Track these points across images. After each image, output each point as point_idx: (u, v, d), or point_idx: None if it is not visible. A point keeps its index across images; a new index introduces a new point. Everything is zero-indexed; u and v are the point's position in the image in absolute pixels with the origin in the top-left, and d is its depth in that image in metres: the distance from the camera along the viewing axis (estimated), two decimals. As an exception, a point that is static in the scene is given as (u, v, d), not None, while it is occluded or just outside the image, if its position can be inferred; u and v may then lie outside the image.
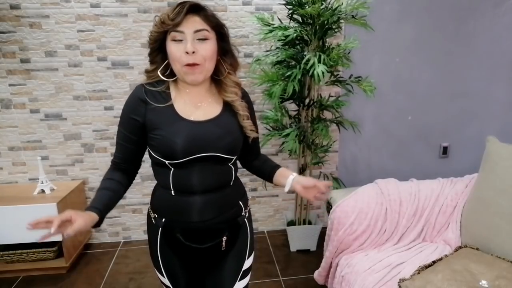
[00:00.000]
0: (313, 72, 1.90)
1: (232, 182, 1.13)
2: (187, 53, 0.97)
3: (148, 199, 2.76)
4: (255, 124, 1.17)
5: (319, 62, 1.91)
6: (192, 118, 1.04)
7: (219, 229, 1.11)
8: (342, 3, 2.03)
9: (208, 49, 1.00)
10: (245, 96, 1.16)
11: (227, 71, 1.09)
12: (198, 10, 0.99)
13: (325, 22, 2.00)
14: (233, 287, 1.15)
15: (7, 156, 2.42)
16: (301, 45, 2.14)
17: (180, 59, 0.98)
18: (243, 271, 1.17)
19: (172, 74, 1.07)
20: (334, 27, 2.09)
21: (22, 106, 2.35)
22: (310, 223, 2.52)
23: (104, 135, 2.45)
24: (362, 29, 2.12)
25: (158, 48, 1.04)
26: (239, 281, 1.16)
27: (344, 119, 2.35)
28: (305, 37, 2.10)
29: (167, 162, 1.03)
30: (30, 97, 2.33)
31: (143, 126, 1.06)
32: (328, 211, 1.83)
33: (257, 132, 1.18)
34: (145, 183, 2.57)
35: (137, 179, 2.54)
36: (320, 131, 2.15)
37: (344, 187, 2.35)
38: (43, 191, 2.28)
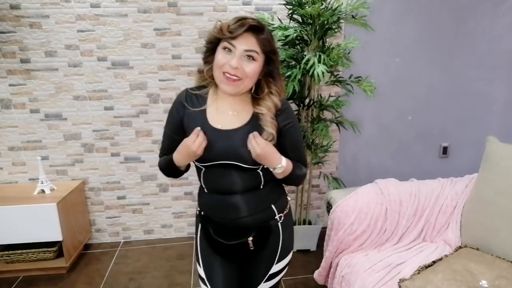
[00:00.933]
0: (313, 72, 1.91)
1: (262, 186, 1.14)
2: (230, 66, 1.01)
3: (148, 199, 2.78)
4: (297, 146, 1.17)
5: (319, 62, 1.92)
6: (219, 126, 1.09)
7: (246, 229, 1.15)
8: (342, 3, 2.03)
9: (251, 69, 1.03)
10: (282, 115, 1.11)
11: (266, 91, 1.10)
12: (256, 31, 1.03)
13: (325, 22, 2.00)
14: (258, 286, 1.20)
15: (7, 156, 2.42)
16: (301, 45, 2.14)
17: (223, 67, 1.03)
18: (270, 274, 1.20)
19: None
20: (334, 27, 2.09)
21: (22, 106, 2.35)
22: (310, 223, 2.52)
23: (104, 135, 2.45)
24: (362, 29, 2.12)
25: (212, 49, 1.08)
26: (264, 282, 1.20)
27: (344, 119, 2.35)
28: (305, 37, 2.10)
29: (196, 163, 1.13)
30: (30, 97, 2.33)
31: (182, 127, 1.14)
32: (328, 211, 1.83)
33: (299, 157, 1.17)
34: (145, 183, 2.57)
35: (137, 179, 2.55)
36: (320, 131, 2.15)
37: (344, 187, 2.35)
38: (43, 191, 2.28)
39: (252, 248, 1.16)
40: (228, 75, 1.02)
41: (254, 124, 1.09)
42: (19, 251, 2.24)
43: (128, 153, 2.50)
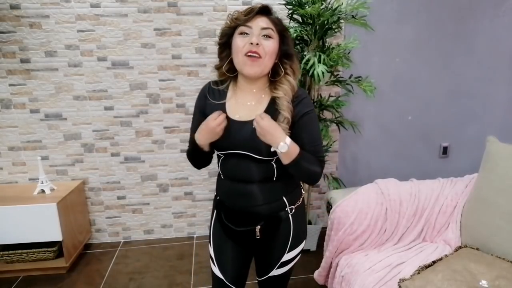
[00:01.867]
0: (313, 72, 1.91)
1: (275, 177, 1.18)
2: (251, 44, 1.07)
3: (148, 199, 2.78)
4: (313, 139, 1.16)
5: (319, 62, 1.92)
6: (236, 117, 1.15)
7: (255, 217, 1.20)
8: (342, 3, 2.03)
9: (270, 46, 1.10)
10: (300, 104, 1.14)
11: (283, 72, 1.15)
12: (267, 12, 1.13)
13: (325, 22, 2.00)
14: (268, 274, 1.27)
15: (7, 156, 2.42)
16: (301, 45, 2.14)
17: (243, 49, 1.09)
18: (282, 262, 1.25)
19: (233, 71, 1.18)
20: (334, 27, 2.10)
21: (22, 106, 2.35)
22: (310, 223, 2.52)
23: (104, 135, 2.45)
24: (362, 29, 2.12)
25: (225, 43, 1.16)
26: (276, 269, 1.25)
27: (344, 119, 2.35)
28: (305, 37, 2.10)
29: (216, 151, 1.21)
30: (30, 97, 2.33)
31: (205, 118, 1.17)
32: (328, 211, 1.83)
33: (316, 152, 1.17)
34: (145, 183, 2.57)
35: (137, 179, 2.55)
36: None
37: (344, 187, 2.35)
38: (43, 191, 2.28)
39: (258, 237, 1.21)
40: (250, 53, 1.08)
41: (271, 110, 1.13)
42: (19, 251, 2.24)
43: (128, 153, 2.50)
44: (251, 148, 1.12)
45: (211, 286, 1.37)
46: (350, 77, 2.22)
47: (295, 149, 1.10)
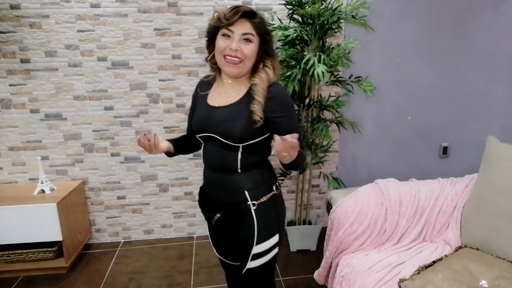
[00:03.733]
0: (313, 72, 1.91)
1: (239, 170, 1.23)
2: (230, 49, 1.15)
3: (148, 199, 2.78)
4: (293, 128, 1.17)
5: (319, 62, 1.91)
6: (216, 104, 1.24)
7: (217, 205, 1.28)
8: (342, 3, 2.03)
9: (249, 50, 1.17)
10: (274, 96, 1.18)
11: (261, 65, 1.22)
12: (250, 16, 1.16)
13: (325, 22, 2.00)
14: (244, 267, 1.28)
15: (7, 156, 2.42)
16: (301, 45, 2.14)
17: (224, 51, 1.16)
18: (254, 255, 1.26)
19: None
20: (334, 27, 2.09)
21: (22, 106, 2.35)
22: (310, 223, 2.52)
23: (104, 135, 2.45)
24: (362, 29, 2.12)
25: (211, 38, 1.22)
26: (251, 261, 1.27)
27: (344, 119, 2.35)
28: (305, 37, 2.10)
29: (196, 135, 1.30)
30: (30, 97, 2.33)
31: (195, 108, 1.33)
32: (328, 211, 1.83)
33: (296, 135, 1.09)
34: (145, 183, 2.57)
35: (137, 179, 2.55)
36: (320, 131, 2.15)
37: (344, 187, 2.35)
38: (43, 191, 2.28)
39: (214, 223, 1.29)
40: (229, 57, 1.16)
41: (248, 99, 1.19)
42: (19, 251, 2.24)
43: (128, 153, 2.50)
44: (220, 131, 1.19)
45: (211, 286, 1.38)
46: (350, 77, 2.22)
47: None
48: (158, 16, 2.29)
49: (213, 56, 1.22)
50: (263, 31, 1.19)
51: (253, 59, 1.20)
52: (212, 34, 1.21)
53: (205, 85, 1.32)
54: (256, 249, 1.26)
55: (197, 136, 1.29)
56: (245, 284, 1.33)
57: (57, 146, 2.44)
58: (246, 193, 1.24)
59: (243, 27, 1.15)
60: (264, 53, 1.22)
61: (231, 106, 1.21)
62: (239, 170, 1.23)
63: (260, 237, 1.25)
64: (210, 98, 1.27)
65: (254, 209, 1.24)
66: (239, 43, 1.15)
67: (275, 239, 1.29)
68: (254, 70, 1.23)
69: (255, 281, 1.31)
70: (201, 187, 1.38)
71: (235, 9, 1.14)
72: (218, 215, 1.27)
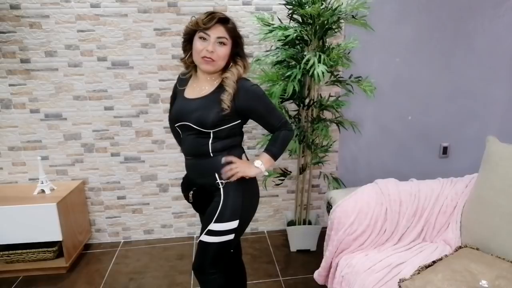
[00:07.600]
0: (313, 72, 1.91)
1: (211, 154, 1.40)
2: (207, 50, 1.31)
3: (148, 199, 2.78)
4: (273, 120, 1.43)
5: (319, 62, 1.91)
6: (191, 97, 1.41)
7: (191, 185, 1.49)
8: (342, 3, 2.03)
9: (223, 51, 1.35)
10: (243, 87, 1.36)
11: (232, 64, 1.40)
12: (224, 22, 1.34)
13: (325, 22, 2.00)
14: (199, 238, 1.44)
15: (7, 156, 2.42)
16: (301, 45, 2.14)
17: (201, 53, 1.33)
18: (210, 230, 1.39)
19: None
20: (334, 27, 2.09)
21: (22, 106, 2.35)
22: (310, 223, 2.52)
23: (104, 135, 2.45)
24: (362, 29, 2.12)
25: (188, 39, 1.39)
26: (205, 235, 1.41)
27: (344, 119, 2.35)
28: (305, 37, 2.10)
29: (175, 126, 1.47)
30: (30, 97, 2.33)
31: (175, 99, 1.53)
32: (328, 211, 1.83)
33: (277, 123, 1.44)
34: (145, 183, 2.57)
35: (137, 179, 2.55)
36: (320, 131, 2.15)
37: (344, 187, 2.35)
38: (43, 191, 2.28)
39: (191, 201, 1.50)
40: (206, 58, 1.32)
41: (219, 91, 1.36)
42: (19, 251, 2.24)
43: (128, 153, 2.50)
44: (194, 119, 1.35)
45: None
46: (350, 77, 2.22)
47: (269, 161, 1.43)
48: (158, 16, 2.29)
49: (190, 56, 1.40)
50: (236, 35, 1.37)
51: (226, 59, 1.37)
52: (189, 36, 1.37)
53: (183, 81, 1.49)
54: (213, 226, 1.39)
55: (175, 125, 1.44)
56: (198, 254, 1.45)
57: (57, 146, 2.44)
58: (216, 175, 1.40)
59: (218, 32, 1.32)
60: (236, 54, 1.40)
61: (204, 97, 1.38)
62: (211, 154, 1.40)
63: (220, 216, 1.39)
64: (187, 92, 1.44)
65: (222, 188, 1.40)
66: (214, 45, 1.32)
67: (233, 224, 1.40)
68: (226, 68, 1.39)
69: (205, 256, 1.42)
70: (185, 175, 1.56)
71: (211, 15, 1.31)
72: (192, 192, 1.47)
